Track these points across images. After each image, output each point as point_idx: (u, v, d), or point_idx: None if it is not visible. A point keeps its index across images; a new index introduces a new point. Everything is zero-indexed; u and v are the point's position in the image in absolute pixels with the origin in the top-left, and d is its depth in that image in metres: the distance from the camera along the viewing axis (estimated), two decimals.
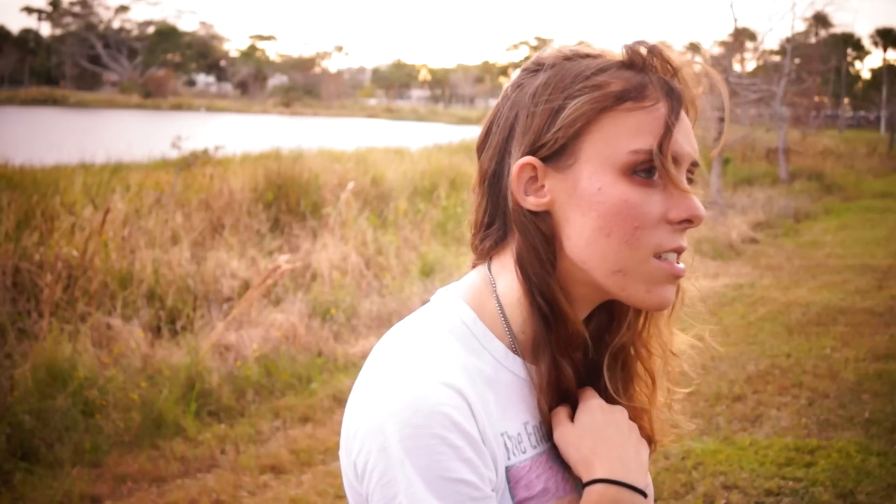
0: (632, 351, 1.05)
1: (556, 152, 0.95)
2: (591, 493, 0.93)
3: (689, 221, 0.94)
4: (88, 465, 4.42)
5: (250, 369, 5.60)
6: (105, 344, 5.70)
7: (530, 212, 0.96)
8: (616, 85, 0.94)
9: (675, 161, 0.94)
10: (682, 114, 0.97)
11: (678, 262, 0.96)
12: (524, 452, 0.94)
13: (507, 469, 0.92)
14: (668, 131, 0.92)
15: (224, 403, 5.24)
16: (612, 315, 1.06)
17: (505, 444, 0.92)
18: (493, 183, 1.00)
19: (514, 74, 1.02)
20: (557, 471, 0.97)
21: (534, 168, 0.95)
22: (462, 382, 0.89)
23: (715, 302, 8.31)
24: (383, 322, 6.94)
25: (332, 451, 4.72)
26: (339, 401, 5.47)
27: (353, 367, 6.07)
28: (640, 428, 1.05)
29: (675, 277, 0.95)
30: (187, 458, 4.60)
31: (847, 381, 5.84)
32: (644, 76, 0.95)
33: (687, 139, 0.96)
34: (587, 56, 0.98)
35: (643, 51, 0.97)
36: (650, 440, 1.07)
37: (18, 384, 4.82)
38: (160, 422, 4.86)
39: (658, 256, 0.94)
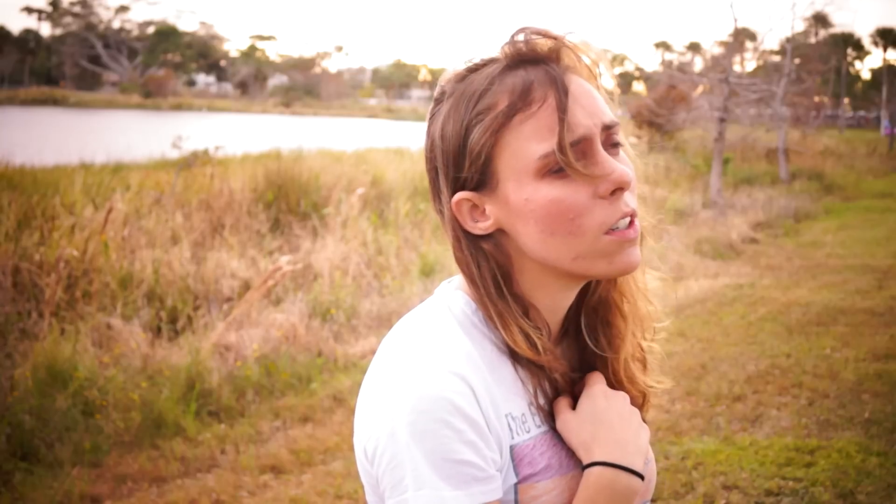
0: (609, 302, 1.09)
1: (478, 182, 0.99)
2: (590, 475, 0.98)
3: (619, 189, 0.96)
4: (88, 465, 4.42)
5: (250, 369, 5.60)
6: (105, 344, 5.70)
7: (483, 235, 1.00)
8: (503, 101, 0.96)
9: (583, 141, 0.95)
10: (578, 86, 0.97)
11: (631, 224, 0.98)
12: (528, 432, 0.99)
13: (512, 448, 0.97)
14: (561, 127, 0.94)
15: (224, 403, 5.24)
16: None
17: (509, 425, 0.97)
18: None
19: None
20: (561, 448, 1.01)
21: (469, 199, 1.00)
22: (466, 370, 0.94)
23: (715, 302, 8.31)
24: (383, 322, 6.94)
25: (331, 451, 4.72)
26: (339, 401, 5.47)
27: (353, 367, 6.07)
28: (632, 383, 1.09)
29: (631, 241, 0.98)
30: (187, 458, 4.60)
31: (847, 381, 5.84)
32: (527, 73, 0.97)
33: (588, 111, 0.97)
34: (477, 69, 1.00)
35: (520, 47, 0.99)
36: (643, 396, 1.12)
37: (18, 384, 4.82)
38: (160, 422, 4.86)
39: (609, 231, 0.96)
